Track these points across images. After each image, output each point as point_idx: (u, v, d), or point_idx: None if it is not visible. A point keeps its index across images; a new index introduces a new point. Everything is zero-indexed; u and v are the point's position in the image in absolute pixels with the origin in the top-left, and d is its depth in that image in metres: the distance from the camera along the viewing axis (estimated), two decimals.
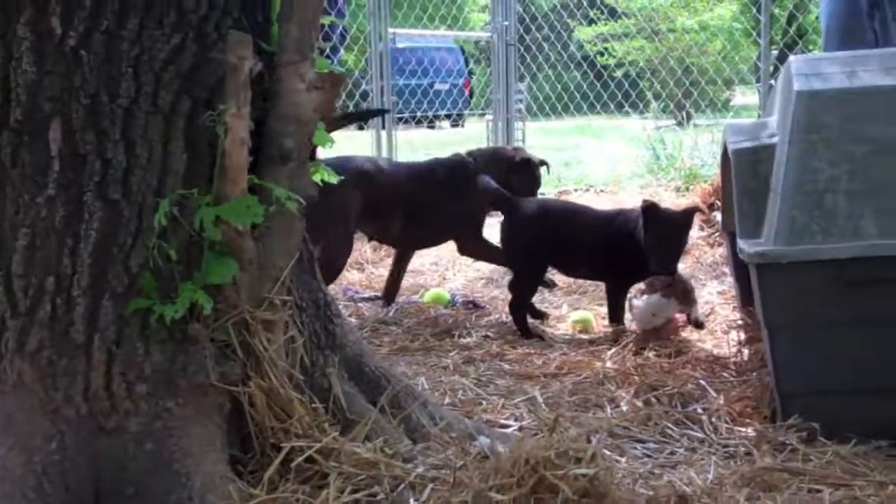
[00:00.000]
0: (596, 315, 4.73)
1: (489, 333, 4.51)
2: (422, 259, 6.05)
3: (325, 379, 2.67)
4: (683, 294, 4.29)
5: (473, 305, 5.09)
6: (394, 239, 5.11)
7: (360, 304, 5.20)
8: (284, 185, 2.45)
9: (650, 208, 4.20)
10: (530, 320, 4.59)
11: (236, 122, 2.35)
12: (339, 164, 4.17)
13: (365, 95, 9.94)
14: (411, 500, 2.37)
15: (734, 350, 3.95)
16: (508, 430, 3.16)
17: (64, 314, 2.30)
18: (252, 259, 2.42)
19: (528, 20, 12.06)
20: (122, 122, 2.33)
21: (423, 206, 4.87)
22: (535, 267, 4.63)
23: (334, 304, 2.85)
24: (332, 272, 4.68)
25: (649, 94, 16.31)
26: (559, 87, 12.64)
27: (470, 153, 5.06)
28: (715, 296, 5.02)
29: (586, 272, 4.76)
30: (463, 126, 19.05)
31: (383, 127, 9.11)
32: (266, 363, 2.44)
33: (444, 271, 6.03)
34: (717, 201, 5.80)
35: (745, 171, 3.25)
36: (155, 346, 2.34)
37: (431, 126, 14.92)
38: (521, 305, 4.57)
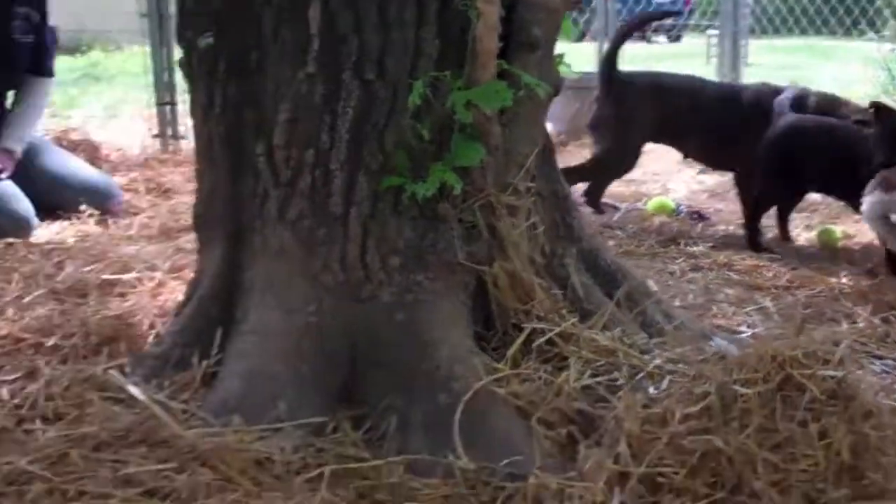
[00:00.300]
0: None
1: (716, 244, 4.42)
2: (643, 168, 5.97)
3: (562, 268, 2.70)
4: None
5: (699, 216, 4.99)
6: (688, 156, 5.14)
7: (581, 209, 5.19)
8: (532, 73, 2.46)
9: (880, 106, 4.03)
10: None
11: (488, 7, 2.37)
12: (641, 77, 4.38)
13: (589, 2, 9.77)
14: (650, 389, 2.38)
15: None
16: (741, 336, 3.11)
17: (322, 186, 2.41)
18: (499, 144, 2.46)
19: None
20: (378, 5, 2.38)
21: (721, 129, 4.74)
22: (787, 187, 4.46)
23: (571, 196, 2.87)
24: (608, 175, 4.80)
25: (887, 12, 15.27)
26: (788, 2, 12.00)
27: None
28: None
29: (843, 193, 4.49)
30: (680, 41, 18.45)
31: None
32: (510, 246, 2.49)
33: (666, 181, 5.94)
34: None
35: None
36: (406, 222, 2.42)
37: (648, 39, 14.55)
38: (757, 217, 4.44)
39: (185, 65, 2.58)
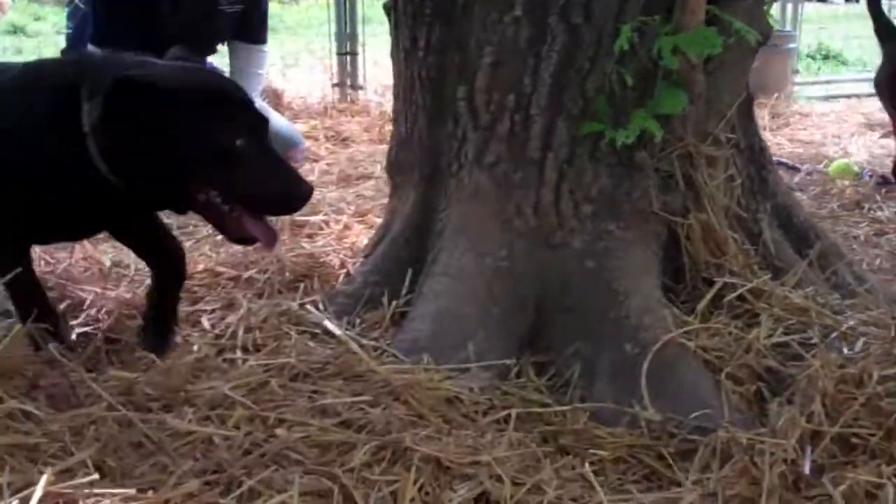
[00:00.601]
0: None
1: None
2: (823, 130, 5.78)
3: (756, 223, 2.65)
4: None
5: (884, 180, 4.78)
6: None
7: None
8: (741, 19, 2.40)
9: None
10: None
11: None
12: None
13: None
14: (844, 349, 2.32)
15: None
16: None
17: (522, 130, 2.42)
18: (702, 93, 2.41)
19: None
20: None
21: None
22: None
23: (768, 150, 2.80)
24: None
25: None
26: None
27: None
28: None
29: None
30: (857, 1, 17.63)
31: None
32: (705, 198, 2.45)
33: (846, 144, 5.71)
34: None
35: None
36: (603, 169, 2.41)
37: (824, 0, 13.94)
38: None
39: (391, 8, 2.63)
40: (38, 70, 2.37)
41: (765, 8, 2.50)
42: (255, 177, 2.16)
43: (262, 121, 2.23)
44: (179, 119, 2.09)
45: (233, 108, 2.18)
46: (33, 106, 2.22)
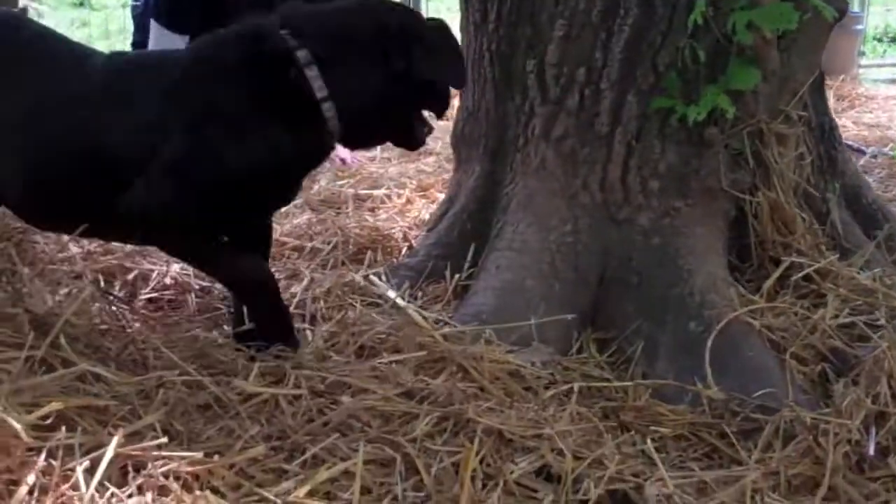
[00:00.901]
0: None
1: None
2: (889, 112, 5.66)
3: (824, 203, 2.61)
4: None
5: None
6: None
7: None
8: None
9: None
10: None
11: None
12: None
13: None
14: None
15: None
16: None
17: (591, 105, 2.41)
18: (775, 70, 2.38)
19: None
20: None
21: None
22: None
23: (838, 129, 2.76)
24: None
25: None
26: None
27: None
28: None
29: None
30: None
31: None
32: (775, 176, 2.42)
33: None
34: None
35: None
36: (671, 145, 2.39)
37: None
38: None
39: None
40: (227, 48, 2.17)
41: None
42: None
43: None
44: (428, 52, 2.11)
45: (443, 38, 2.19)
46: (250, 87, 2.11)
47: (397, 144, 2.36)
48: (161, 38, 3.55)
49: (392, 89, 2.11)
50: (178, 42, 3.37)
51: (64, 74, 2.21)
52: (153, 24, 3.65)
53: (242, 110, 2.10)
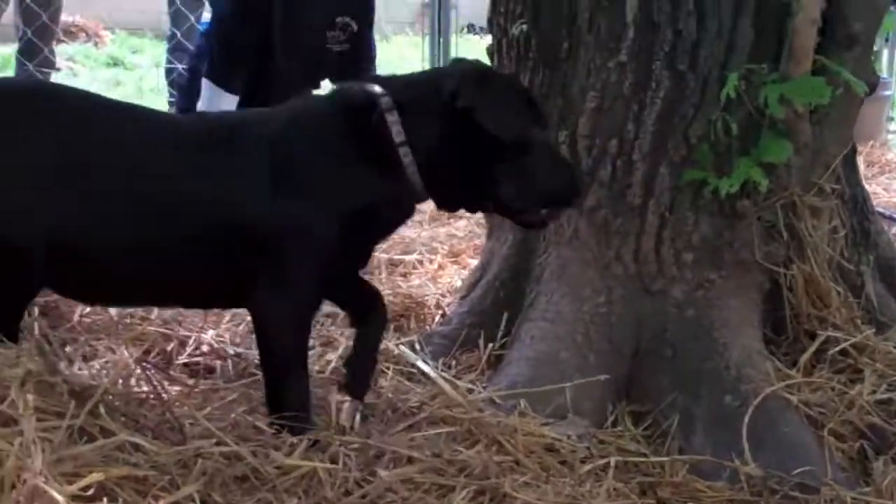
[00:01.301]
0: None
1: None
2: None
3: (858, 276, 2.61)
4: None
5: None
6: None
7: None
8: (848, 69, 2.37)
9: None
10: None
11: (810, 0, 2.30)
12: None
13: None
14: None
15: None
16: None
17: (623, 176, 2.42)
18: (807, 142, 2.39)
19: None
20: None
21: None
22: None
23: (871, 200, 2.76)
24: None
25: None
26: None
27: None
28: None
29: None
30: None
31: None
32: (809, 249, 2.42)
33: None
34: None
35: None
36: (704, 217, 2.40)
37: None
38: None
39: (495, 51, 2.66)
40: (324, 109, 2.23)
41: (871, 57, 2.46)
42: (544, 167, 2.15)
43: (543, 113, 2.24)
44: (502, 109, 2.09)
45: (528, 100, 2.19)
46: (346, 143, 2.13)
47: (503, 215, 2.31)
48: (213, 98, 3.62)
49: (463, 136, 2.08)
50: (227, 101, 3.45)
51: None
52: (205, 82, 3.72)
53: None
